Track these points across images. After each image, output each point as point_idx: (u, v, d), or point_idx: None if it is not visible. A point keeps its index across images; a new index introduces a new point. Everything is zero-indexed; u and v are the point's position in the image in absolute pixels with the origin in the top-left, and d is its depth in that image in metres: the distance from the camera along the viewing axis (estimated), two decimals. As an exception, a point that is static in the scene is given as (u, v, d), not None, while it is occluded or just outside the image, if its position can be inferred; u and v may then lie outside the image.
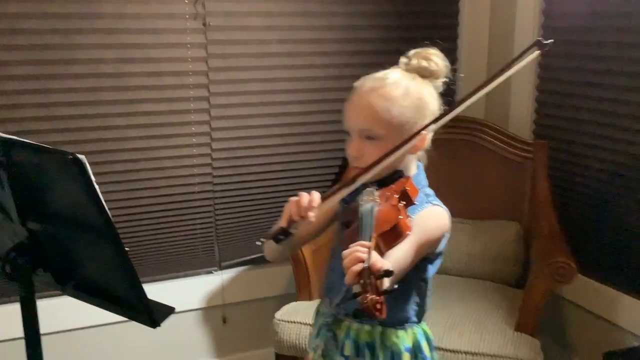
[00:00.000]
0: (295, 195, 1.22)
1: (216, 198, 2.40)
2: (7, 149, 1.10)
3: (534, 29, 2.48)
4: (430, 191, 1.39)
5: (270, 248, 1.37)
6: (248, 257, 2.56)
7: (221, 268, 2.52)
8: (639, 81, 2.07)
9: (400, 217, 1.13)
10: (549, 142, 2.41)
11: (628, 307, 2.15)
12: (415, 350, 1.36)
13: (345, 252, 1.04)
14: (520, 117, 2.59)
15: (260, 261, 2.48)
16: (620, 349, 1.97)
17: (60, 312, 2.23)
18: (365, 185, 1.26)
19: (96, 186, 1.03)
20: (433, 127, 1.34)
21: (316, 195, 1.20)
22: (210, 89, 2.30)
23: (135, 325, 2.37)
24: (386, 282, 1.01)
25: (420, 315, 1.40)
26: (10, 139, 1.12)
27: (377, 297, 0.97)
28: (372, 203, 1.17)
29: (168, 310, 1.18)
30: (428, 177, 2.45)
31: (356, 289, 0.99)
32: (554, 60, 2.43)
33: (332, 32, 2.42)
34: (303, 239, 1.43)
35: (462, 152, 2.50)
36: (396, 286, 1.03)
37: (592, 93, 2.26)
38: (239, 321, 2.58)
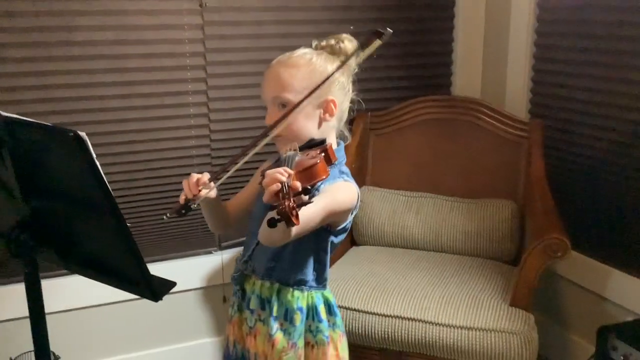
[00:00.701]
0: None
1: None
2: (9, 128, 1.12)
3: (530, 9, 2.49)
4: (345, 169, 1.49)
5: (205, 217, 1.57)
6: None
7: (221, 248, 2.55)
8: (634, 59, 2.08)
9: (318, 161, 1.24)
10: (545, 121, 2.43)
11: (621, 282, 2.19)
12: (312, 312, 1.48)
13: (267, 172, 1.16)
14: (516, 96, 2.60)
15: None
16: (613, 323, 2.00)
17: (64, 291, 2.27)
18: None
19: (97, 162, 1.05)
20: (337, 92, 1.46)
21: (205, 176, 1.37)
22: (207, 70, 2.31)
23: (137, 304, 2.43)
24: (303, 199, 1.12)
25: (320, 281, 1.50)
26: (13, 117, 1.13)
27: (294, 204, 1.07)
28: (294, 152, 1.32)
29: (169, 285, 1.20)
30: (426, 155, 2.50)
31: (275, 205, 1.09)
32: (549, 39, 2.44)
33: (328, 12, 2.43)
34: (236, 209, 1.60)
35: (458, 131, 2.52)
36: (312, 200, 1.14)
37: (587, 72, 2.27)
38: (239, 300, 2.61)
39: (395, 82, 2.65)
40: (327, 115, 1.45)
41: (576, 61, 2.32)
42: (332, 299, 1.53)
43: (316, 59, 1.44)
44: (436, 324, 1.93)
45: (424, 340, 1.93)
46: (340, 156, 1.48)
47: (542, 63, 2.50)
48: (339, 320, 1.53)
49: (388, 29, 1.33)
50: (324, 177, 1.25)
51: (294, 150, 1.35)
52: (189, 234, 2.48)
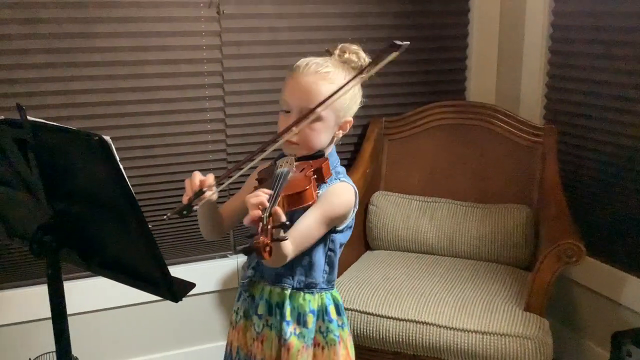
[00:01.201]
0: None
1: (230, 183, 2.44)
2: (35, 132, 1.15)
3: (544, 15, 2.50)
4: (341, 169, 1.52)
5: (200, 224, 1.54)
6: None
7: (236, 252, 2.58)
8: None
9: (308, 187, 1.27)
10: (559, 127, 2.44)
11: (636, 288, 2.18)
12: (323, 313, 1.51)
13: (250, 195, 1.19)
14: (531, 101, 2.61)
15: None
16: (628, 329, 2.00)
17: (81, 294, 2.30)
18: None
19: (121, 166, 1.08)
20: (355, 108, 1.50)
21: (210, 177, 1.35)
22: (224, 76, 2.34)
23: (153, 307, 2.46)
24: (280, 232, 1.16)
25: (329, 282, 1.53)
26: (39, 122, 1.16)
27: (268, 241, 1.10)
28: (288, 168, 1.33)
29: (189, 286, 1.22)
30: (441, 161, 2.52)
31: (253, 230, 1.13)
32: (564, 45, 2.45)
33: (343, 19, 2.46)
34: (230, 215, 1.58)
35: (472, 137, 2.53)
36: (287, 237, 1.20)
37: (601, 78, 2.28)
38: (254, 304, 2.64)
39: (410, 87, 2.67)
40: (340, 132, 1.49)
41: (591, 67, 2.32)
42: (340, 299, 1.56)
43: (347, 78, 1.44)
44: (450, 328, 1.94)
45: (438, 345, 1.95)
46: (335, 159, 1.52)
47: (556, 69, 2.50)
48: (346, 319, 1.56)
49: (404, 42, 1.34)
50: (311, 203, 1.29)
51: (289, 165, 1.36)
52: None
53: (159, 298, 1.30)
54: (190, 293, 1.25)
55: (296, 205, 1.26)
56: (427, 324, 1.96)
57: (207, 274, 2.53)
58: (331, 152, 1.52)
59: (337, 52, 1.49)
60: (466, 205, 2.46)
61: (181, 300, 1.20)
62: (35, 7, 2.05)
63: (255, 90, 2.40)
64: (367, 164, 2.48)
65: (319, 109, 1.39)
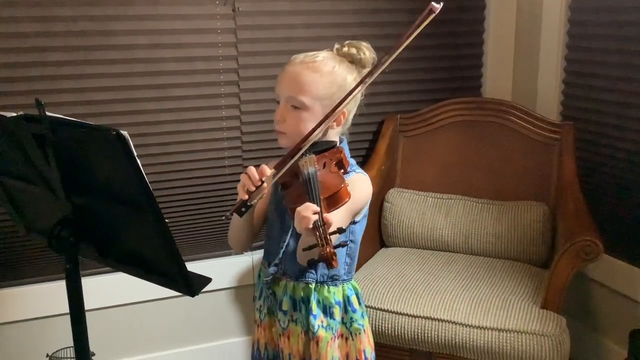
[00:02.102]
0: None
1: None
2: (54, 127, 1.16)
3: (561, 11, 2.48)
4: (352, 160, 1.54)
5: (235, 236, 1.55)
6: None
7: (252, 248, 2.58)
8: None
9: (342, 184, 1.30)
10: (576, 123, 2.42)
11: (655, 286, 2.16)
12: (346, 304, 1.53)
13: (300, 209, 1.21)
14: (548, 98, 2.59)
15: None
16: (646, 327, 1.98)
17: (97, 289, 2.32)
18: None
19: (138, 160, 1.09)
20: (352, 104, 1.50)
21: (265, 167, 1.34)
22: (239, 74, 2.34)
23: (169, 303, 2.48)
24: (337, 238, 1.18)
25: (350, 273, 1.56)
26: (57, 117, 1.17)
27: (333, 250, 1.14)
28: (314, 168, 1.34)
29: (205, 280, 1.23)
30: (456, 158, 2.50)
31: (311, 241, 1.17)
32: (581, 41, 2.43)
33: (358, 15, 2.45)
34: (258, 217, 1.57)
35: (489, 134, 2.52)
36: (348, 241, 1.26)
37: (618, 74, 2.25)
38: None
39: (425, 84, 2.66)
40: (334, 124, 1.49)
41: (608, 63, 2.30)
42: (359, 289, 1.59)
43: (338, 69, 1.47)
44: (466, 325, 1.93)
45: (454, 342, 1.94)
46: (347, 151, 1.52)
47: (573, 64, 2.48)
48: (365, 309, 1.59)
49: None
50: (347, 200, 1.31)
51: (312, 164, 1.37)
52: (221, 233, 2.51)
53: (176, 294, 1.31)
54: (206, 289, 1.26)
55: (335, 205, 1.29)
56: (442, 320, 1.96)
57: (223, 270, 2.54)
58: (342, 144, 1.53)
59: (336, 45, 1.52)
60: (482, 202, 2.45)
61: (197, 294, 1.21)
62: (51, 5, 2.06)
63: (270, 88, 2.36)
64: (382, 160, 2.47)
65: (301, 97, 1.43)
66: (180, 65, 2.26)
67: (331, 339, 1.50)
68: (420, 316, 1.98)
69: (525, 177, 2.46)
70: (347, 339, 1.53)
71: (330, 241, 1.16)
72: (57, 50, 2.10)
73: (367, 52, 1.51)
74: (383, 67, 1.39)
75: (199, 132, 2.35)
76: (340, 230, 1.19)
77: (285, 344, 1.54)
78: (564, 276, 1.94)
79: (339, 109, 1.41)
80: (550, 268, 1.99)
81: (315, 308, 1.50)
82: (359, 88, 1.41)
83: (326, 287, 1.51)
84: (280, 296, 1.53)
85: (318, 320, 1.49)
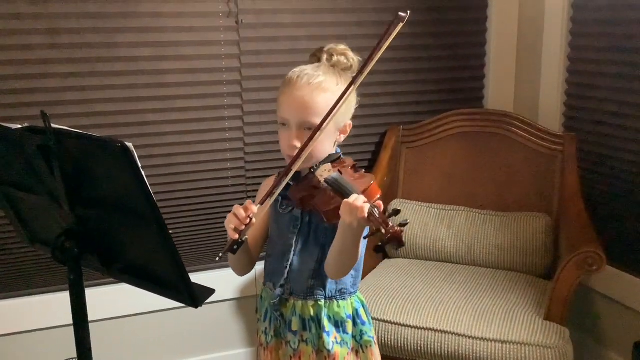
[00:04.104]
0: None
1: (249, 191, 2.46)
2: (59, 139, 1.17)
3: (563, 22, 2.49)
4: None
5: (234, 265, 1.54)
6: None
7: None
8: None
9: (373, 180, 1.31)
10: (578, 135, 2.42)
11: (658, 297, 2.16)
12: (355, 317, 1.52)
13: (348, 201, 1.23)
14: (550, 109, 2.60)
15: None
16: (650, 339, 1.97)
17: (106, 300, 2.32)
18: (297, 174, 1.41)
19: (143, 172, 1.09)
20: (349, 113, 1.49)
21: (250, 203, 1.35)
22: (242, 85, 2.36)
23: (172, 314, 2.47)
24: (395, 220, 1.18)
25: (355, 285, 1.54)
26: (62, 129, 1.18)
27: (397, 228, 1.14)
28: (335, 172, 1.35)
29: (208, 292, 1.23)
30: (459, 169, 2.49)
31: (368, 228, 1.19)
32: (582, 53, 2.43)
33: (360, 28, 2.47)
34: (255, 244, 1.54)
35: (491, 145, 2.52)
36: (408, 220, 1.21)
37: (620, 85, 2.26)
38: (272, 312, 2.64)
39: (428, 95, 2.67)
40: (342, 136, 1.50)
41: (610, 74, 2.31)
42: (364, 300, 1.57)
43: (340, 82, 1.45)
44: (469, 337, 1.93)
45: (457, 353, 1.93)
46: None
47: (575, 76, 2.49)
48: (370, 319, 1.57)
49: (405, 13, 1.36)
50: (379, 195, 1.31)
51: (329, 172, 1.37)
52: (224, 244, 2.51)
53: (179, 305, 1.32)
54: (209, 300, 1.26)
55: (370, 199, 1.28)
56: (446, 332, 1.95)
57: (226, 281, 2.53)
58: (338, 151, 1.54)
59: (324, 56, 1.48)
60: (485, 213, 2.45)
61: (201, 305, 1.21)
62: (57, 17, 2.08)
63: (273, 99, 2.38)
64: (384, 171, 2.48)
65: (317, 119, 1.38)
66: (184, 77, 2.27)
67: (347, 354, 1.48)
68: (423, 328, 1.98)
69: (528, 188, 2.46)
70: (357, 352, 1.52)
71: (387, 222, 1.16)
72: (62, 62, 2.12)
73: (354, 57, 1.50)
74: (362, 79, 1.40)
75: (203, 143, 2.36)
76: (396, 212, 1.19)
77: None
78: (567, 287, 1.94)
79: (324, 124, 1.38)
80: (554, 279, 1.99)
81: (327, 325, 1.47)
82: (342, 102, 1.38)
83: (335, 302, 1.49)
84: (289, 316, 1.50)
85: (332, 337, 1.47)
